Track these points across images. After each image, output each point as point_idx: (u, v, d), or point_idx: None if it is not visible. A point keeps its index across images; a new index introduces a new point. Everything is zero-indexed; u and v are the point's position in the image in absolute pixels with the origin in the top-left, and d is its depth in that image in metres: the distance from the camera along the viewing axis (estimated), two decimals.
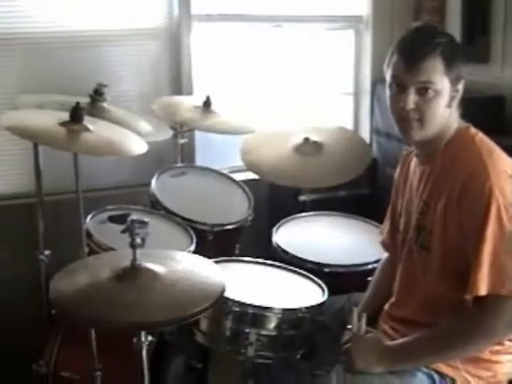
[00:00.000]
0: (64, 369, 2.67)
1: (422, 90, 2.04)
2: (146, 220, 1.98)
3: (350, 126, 4.47)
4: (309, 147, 3.20)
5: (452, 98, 2.08)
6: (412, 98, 2.05)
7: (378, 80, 4.17)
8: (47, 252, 3.02)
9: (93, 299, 1.87)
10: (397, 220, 2.37)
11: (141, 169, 3.67)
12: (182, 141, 3.56)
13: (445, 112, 2.08)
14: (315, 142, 3.22)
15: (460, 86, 2.09)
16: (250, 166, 3.20)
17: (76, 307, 1.86)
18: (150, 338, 1.96)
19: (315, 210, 3.33)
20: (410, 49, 2.06)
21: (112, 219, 2.12)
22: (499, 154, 2.08)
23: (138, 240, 1.95)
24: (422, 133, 2.09)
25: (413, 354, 2.08)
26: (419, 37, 2.09)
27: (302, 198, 3.70)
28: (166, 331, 2.53)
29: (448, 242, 2.07)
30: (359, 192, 4.03)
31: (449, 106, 2.08)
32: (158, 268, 1.98)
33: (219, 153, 4.07)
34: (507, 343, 2.09)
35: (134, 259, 1.96)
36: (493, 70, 3.85)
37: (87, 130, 2.51)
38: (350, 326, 2.19)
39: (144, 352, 1.96)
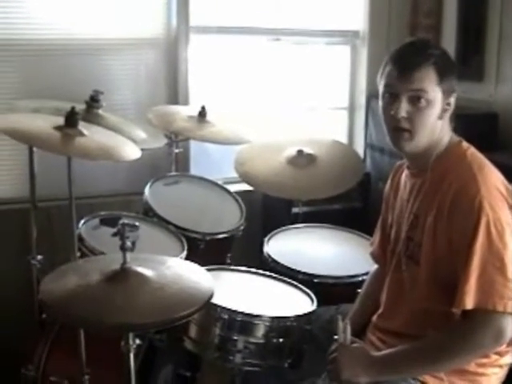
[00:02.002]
0: (53, 373, 2.67)
1: (415, 99, 2.04)
2: (137, 224, 1.99)
3: (344, 140, 4.50)
4: (302, 159, 3.23)
5: (444, 111, 2.08)
6: (404, 107, 2.05)
7: (372, 95, 4.19)
8: (39, 257, 3.03)
9: (82, 300, 1.88)
10: (388, 231, 2.37)
11: (135, 177, 3.69)
12: (176, 150, 3.57)
13: (436, 124, 2.08)
14: (309, 155, 3.24)
15: (452, 100, 2.10)
16: (243, 177, 3.22)
17: (65, 308, 1.87)
18: (137, 341, 1.96)
19: (307, 223, 3.34)
20: (403, 58, 2.08)
21: (103, 222, 2.13)
22: (490, 168, 2.08)
23: (129, 243, 1.95)
24: (412, 144, 2.09)
25: (399, 365, 2.06)
26: (413, 47, 2.12)
27: (295, 210, 3.69)
28: (155, 338, 2.53)
29: (437, 255, 2.07)
30: (352, 206, 4.05)
31: (440, 117, 2.08)
32: (147, 271, 1.99)
33: (215, 163, 4.10)
34: (493, 356, 2.09)
35: (124, 262, 1.97)
36: (487, 88, 3.88)
37: (81, 134, 2.51)
38: (337, 337, 2.19)
39: (131, 355, 1.96)
